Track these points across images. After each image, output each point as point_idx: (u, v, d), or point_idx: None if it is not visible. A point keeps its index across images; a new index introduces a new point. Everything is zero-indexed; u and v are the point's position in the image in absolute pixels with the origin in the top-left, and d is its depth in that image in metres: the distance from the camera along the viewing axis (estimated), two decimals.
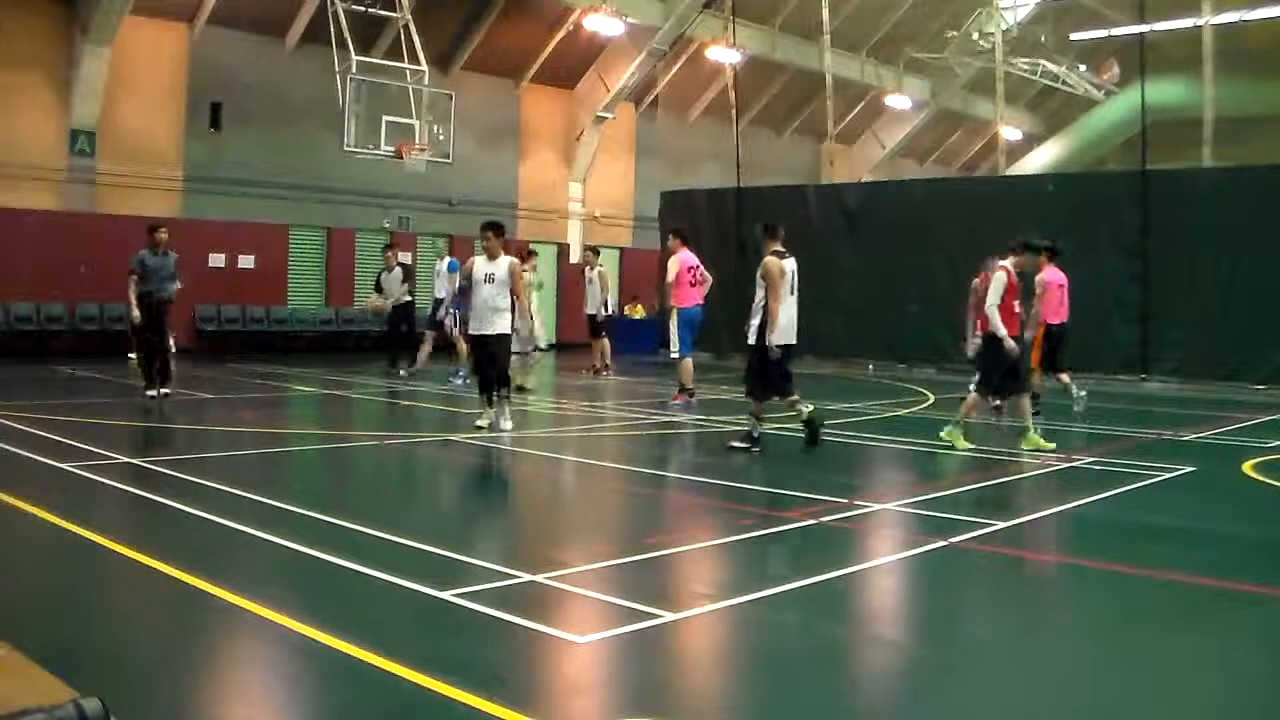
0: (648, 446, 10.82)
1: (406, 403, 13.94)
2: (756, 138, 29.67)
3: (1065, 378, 12.63)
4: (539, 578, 5.27)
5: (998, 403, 12.45)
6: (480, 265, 10.55)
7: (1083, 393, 12.84)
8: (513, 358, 14.93)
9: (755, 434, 9.66)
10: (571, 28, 24.98)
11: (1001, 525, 6.83)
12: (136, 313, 12.35)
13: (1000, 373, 9.85)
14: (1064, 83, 34.84)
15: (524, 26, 24.77)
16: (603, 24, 24.20)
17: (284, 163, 21.71)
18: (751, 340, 9.74)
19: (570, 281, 24.85)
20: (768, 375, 9.74)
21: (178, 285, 12.57)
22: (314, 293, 22.87)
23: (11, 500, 6.70)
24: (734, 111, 25.85)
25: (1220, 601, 5.38)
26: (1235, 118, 28.71)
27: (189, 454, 9.14)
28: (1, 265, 18.09)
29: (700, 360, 14.66)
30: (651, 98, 29.23)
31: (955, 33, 32.64)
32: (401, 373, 15.58)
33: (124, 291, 12.50)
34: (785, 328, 9.68)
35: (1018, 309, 9.93)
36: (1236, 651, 4.66)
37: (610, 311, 18.53)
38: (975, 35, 32.59)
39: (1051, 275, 12.31)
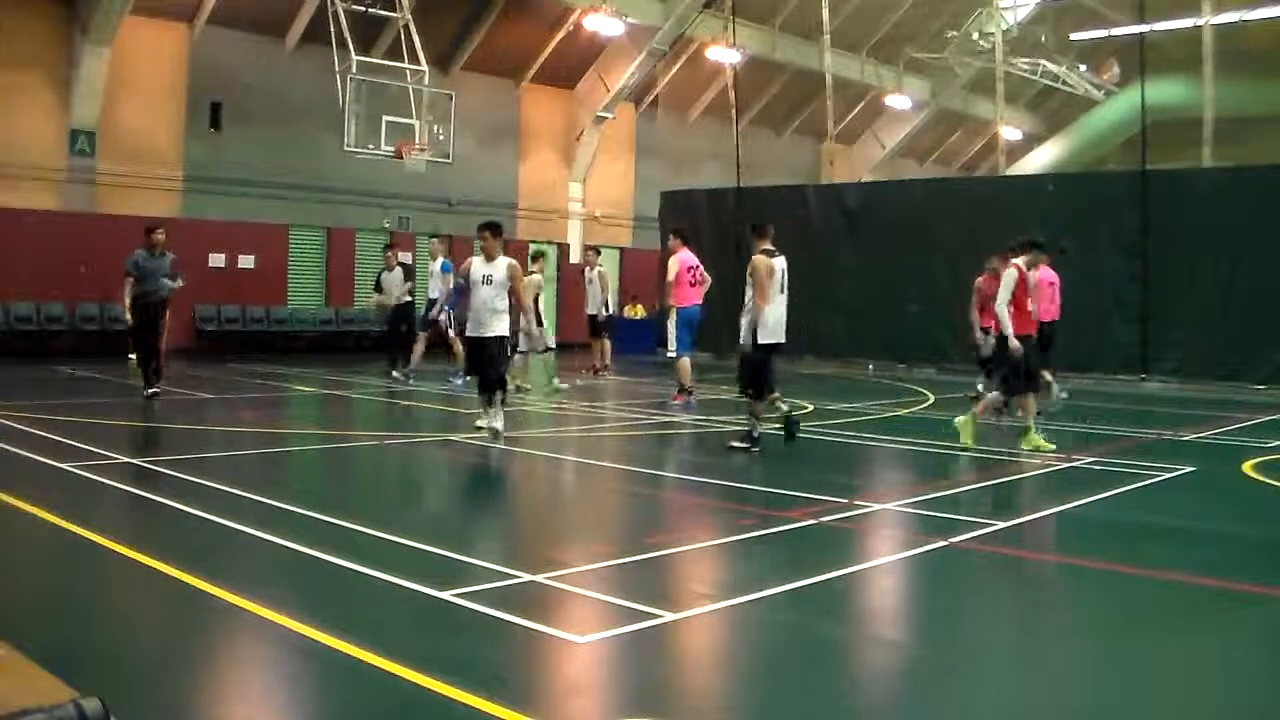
0: (648, 446, 10.81)
1: (406, 403, 13.94)
2: (756, 138, 29.67)
3: (1048, 375, 12.65)
4: (539, 578, 5.27)
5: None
6: (478, 266, 10.25)
7: (1063, 394, 12.87)
8: (516, 357, 15.03)
9: (755, 434, 9.66)
10: (571, 28, 24.98)
11: (1001, 525, 6.83)
12: (129, 315, 12.38)
13: (1019, 373, 9.85)
14: (1064, 83, 34.85)
15: (524, 26, 24.78)
16: (603, 24, 24.20)
17: (284, 163, 21.71)
18: (744, 340, 9.75)
19: (570, 281, 24.86)
20: (761, 372, 9.74)
21: (178, 284, 12.54)
22: (314, 293, 22.87)
23: (11, 500, 6.70)
24: (734, 111, 25.85)
25: (1220, 601, 5.38)
26: (1235, 118, 28.71)
27: (189, 454, 9.13)
28: (1, 265, 18.09)
29: (700, 360, 14.68)
30: (651, 98, 29.23)
31: (955, 33, 32.64)
32: (396, 375, 15.58)
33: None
34: (774, 327, 9.69)
35: (1030, 306, 9.91)
36: (1236, 651, 4.66)
37: (610, 312, 18.53)
38: (975, 35, 32.60)
39: (1042, 273, 12.31)
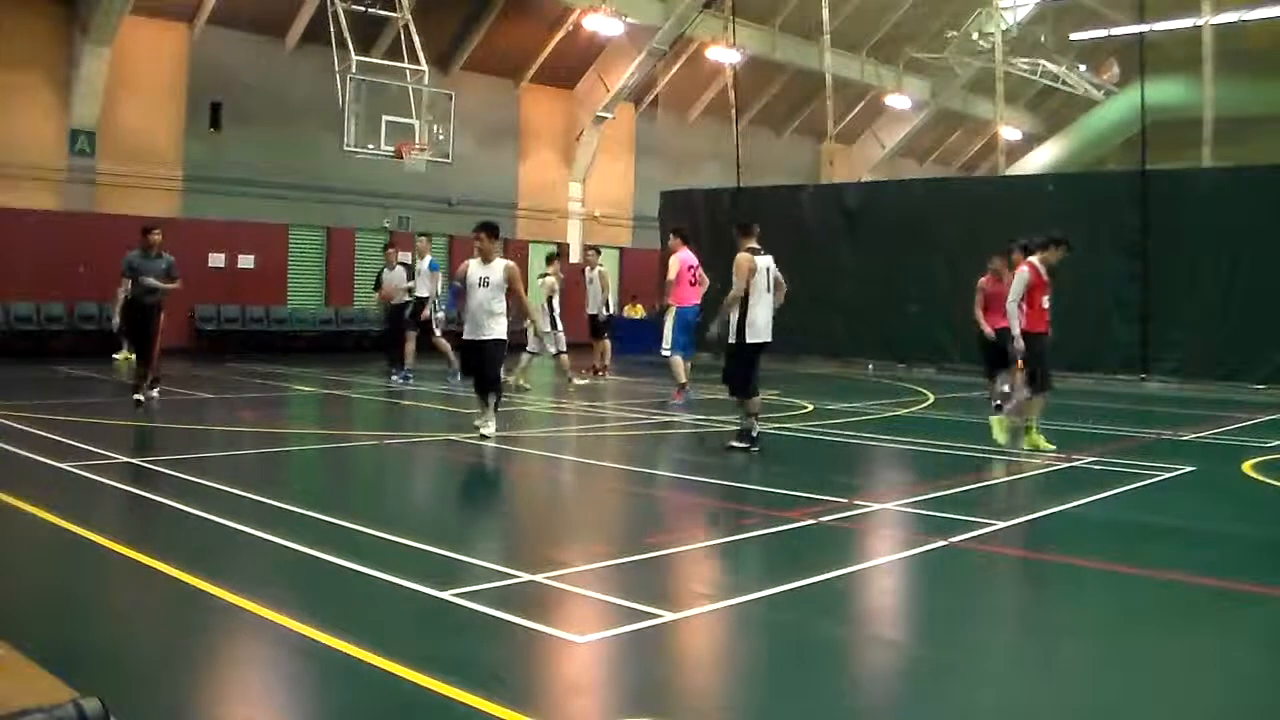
0: (648, 446, 10.81)
1: (406, 403, 13.94)
2: (756, 138, 29.67)
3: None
4: (539, 577, 5.27)
5: (999, 402, 12.45)
6: (474, 269, 10.07)
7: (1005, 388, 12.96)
8: (525, 357, 15.02)
9: (754, 433, 9.66)
10: (571, 28, 24.97)
11: (1001, 525, 6.83)
12: (118, 319, 12.22)
13: (1044, 367, 9.86)
14: (1064, 83, 34.85)
15: (524, 26, 24.77)
16: (603, 24, 24.20)
17: (284, 163, 21.71)
18: (731, 339, 9.75)
19: (570, 281, 24.77)
20: (749, 372, 9.74)
21: (170, 286, 12.06)
22: (314, 293, 22.87)
23: (11, 500, 6.70)
24: (734, 111, 25.84)
25: (1220, 601, 5.38)
26: (1235, 118, 28.70)
27: (189, 454, 9.12)
28: (1, 265, 18.09)
29: (700, 360, 14.66)
30: (651, 98, 29.23)
31: (955, 33, 32.64)
32: (394, 378, 15.57)
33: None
34: (762, 327, 9.69)
35: (1046, 305, 9.89)
36: (1236, 651, 4.66)
37: (611, 312, 18.53)
38: (975, 35, 32.59)
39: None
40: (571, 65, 26.43)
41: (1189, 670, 4.44)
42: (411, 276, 16.19)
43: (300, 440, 10.94)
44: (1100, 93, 35.72)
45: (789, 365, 18.87)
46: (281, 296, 22.10)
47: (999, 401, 11.36)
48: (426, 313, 15.74)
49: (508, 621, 4.62)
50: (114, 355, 17.79)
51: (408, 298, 16.22)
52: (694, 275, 13.70)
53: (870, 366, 19.86)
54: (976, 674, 4.37)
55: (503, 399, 10.70)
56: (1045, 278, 9.88)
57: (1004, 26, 31.10)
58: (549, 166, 27.22)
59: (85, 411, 11.46)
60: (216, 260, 20.70)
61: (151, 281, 11.89)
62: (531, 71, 26.01)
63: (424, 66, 19.71)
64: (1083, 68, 35.34)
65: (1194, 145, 25.65)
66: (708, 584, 5.67)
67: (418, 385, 15.14)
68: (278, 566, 5.62)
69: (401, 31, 20.02)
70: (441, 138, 19.79)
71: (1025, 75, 33.73)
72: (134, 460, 8.81)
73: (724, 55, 26.87)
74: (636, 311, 25.05)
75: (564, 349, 15.51)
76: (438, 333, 15.62)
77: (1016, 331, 9.74)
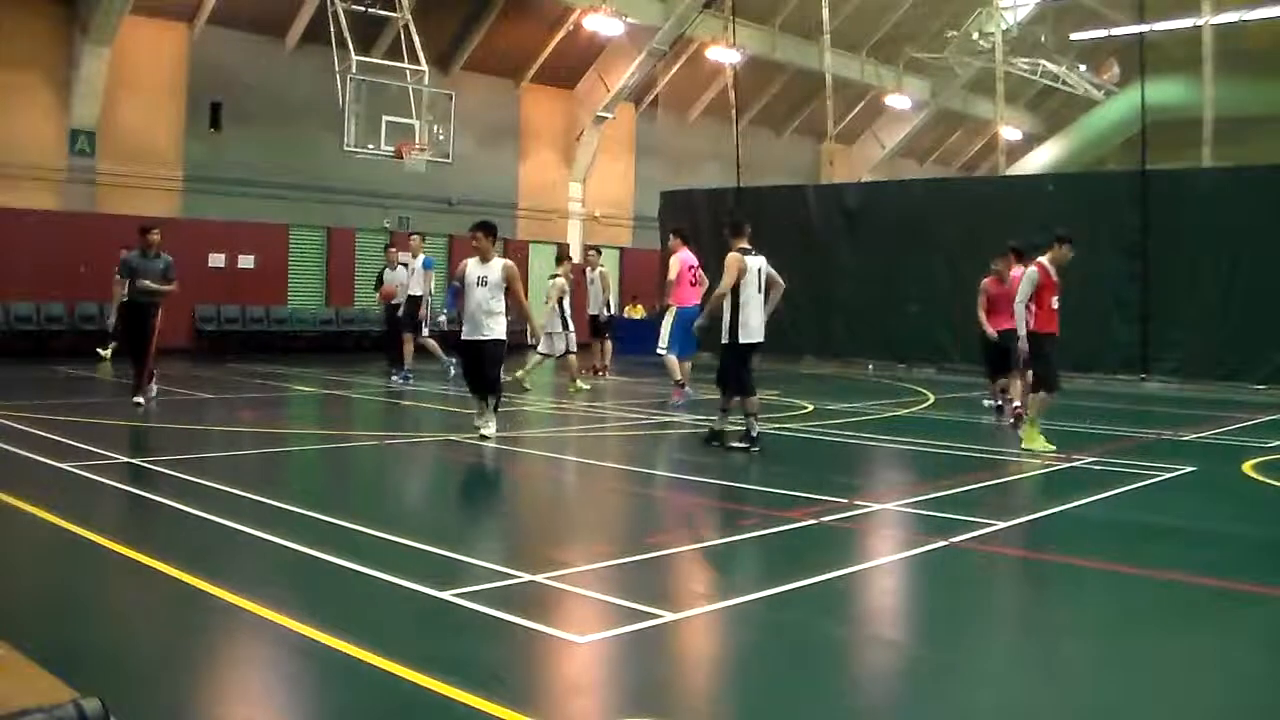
0: (648, 446, 10.81)
1: (407, 403, 13.94)
2: (756, 138, 29.67)
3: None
4: (539, 578, 5.26)
5: (999, 403, 12.46)
6: (473, 268, 10.00)
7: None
8: (537, 358, 15.00)
9: (754, 433, 9.66)
10: (571, 28, 24.98)
11: (1001, 525, 6.82)
12: (114, 318, 12.20)
13: (1052, 368, 9.83)
14: (1064, 83, 34.85)
15: (524, 26, 24.78)
16: (603, 24, 24.21)
17: (284, 163, 21.72)
18: (724, 339, 9.75)
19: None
20: (741, 372, 9.73)
21: (166, 288, 11.93)
22: (314, 293, 22.88)
23: (11, 500, 6.70)
24: (734, 111, 25.84)
25: (1220, 601, 5.37)
26: (1235, 118, 28.70)
27: (188, 454, 9.12)
28: (1, 265, 18.10)
29: (700, 360, 14.65)
30: (651, 98, 29.23)
31: (955, 33, 32.64)
32: (395, 378, 15.57)
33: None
34: (754, 327, 9.69)
35: (1055, 305, 9.85)
36: (1236, 651, 4.66)
37: (611, 312, 18.53)
38: (975, 35, 32.60)
39: (1014, 272, 12.26)
40: (572, 65, 26.44)
41: (1189, 670, 4.44)
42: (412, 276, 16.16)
43: (300, 440, 10.94)
44: (1100, 93, 35.72)
45: (789, 365, 18.88)
46: (282, 297, 22.11)
47: (1016, 414, 11.18)
48: (422, 311, 15.74)
49: (508, 622, 4.62)
50: (98, 349, 17.75)
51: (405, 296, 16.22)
52: (694, 275, 13.71)
53: (870, 366, 19.85)
54: (977, 674, 4.37)
55: (502, 399, 10.66)
56: (1055, 278, 9.82)
57: (1004, 26, 31.10)
58: (549, 166, 27.22)
59: (85, 411, 11.46)
60: (217, 260, 20.71)
61: (147, 284, 11.82)
62: (532, 71, 26.02)
63: (424, 66, 19.71)
64: (1083, 68, 35.35)
65: (1194, 145, 25.66)
66: (708, 584, 5.67)
67: (418, 385, 15.14)
68: (278, 566, 5.62)
69: (401, 31, 20.03)
70: (441, 138, 19.79)
71: (1025, 75, 33.73)
72: (134, 460, 8.82)
73: (724, 55, 26.88)
74: (637, 312, 25.06)
75: (574, 349, 15.45)
76: (425, 331, 15.60)
77: (1023, 333, 9.72)
